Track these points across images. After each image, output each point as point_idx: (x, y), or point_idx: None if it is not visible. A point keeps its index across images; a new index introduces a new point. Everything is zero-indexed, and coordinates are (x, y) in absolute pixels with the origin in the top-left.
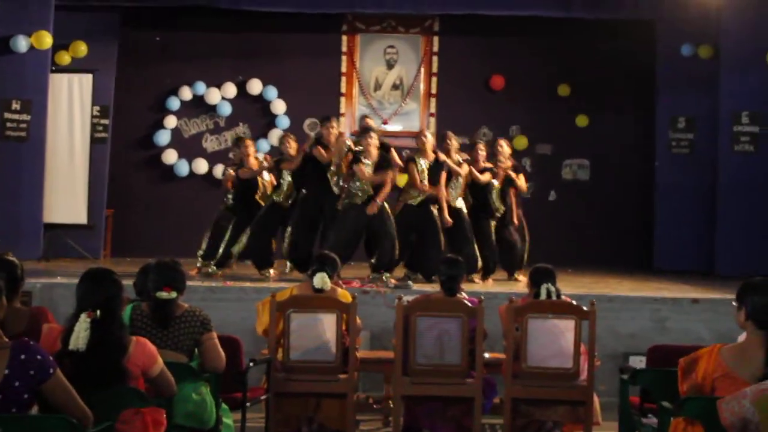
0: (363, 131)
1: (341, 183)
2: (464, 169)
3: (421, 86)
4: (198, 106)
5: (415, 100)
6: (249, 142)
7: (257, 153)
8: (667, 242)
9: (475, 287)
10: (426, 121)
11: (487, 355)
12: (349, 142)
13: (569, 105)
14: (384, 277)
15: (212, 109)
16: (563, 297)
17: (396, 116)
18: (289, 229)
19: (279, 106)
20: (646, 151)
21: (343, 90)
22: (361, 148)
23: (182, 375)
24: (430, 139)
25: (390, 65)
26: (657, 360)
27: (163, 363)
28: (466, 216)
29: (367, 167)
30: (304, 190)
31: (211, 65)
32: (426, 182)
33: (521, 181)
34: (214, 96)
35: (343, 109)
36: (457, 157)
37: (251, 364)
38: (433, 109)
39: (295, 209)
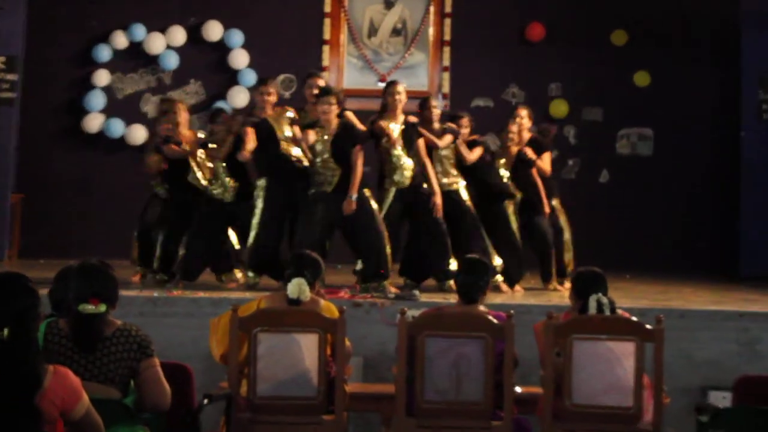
0: (321, 94)
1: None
2: (445, 141)
3: (431, 31)
4: (136, 58)
5: (423, 49)
6: (181, 106)
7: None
8: (757, 240)
9: (498, 299)
10: (437, 77)
11: (518, 389)
12: (291, 112)
13: (626, 57)
14: (381, 285)
15: (154, 60)
16: (619, 311)
17: (397, 71)
18: (254, 223)
19: (243, 58)
20: (727, 118)
21: (327, 36)
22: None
23: (114, 416)
24: (402, 98)
25: (389, 3)
26: (746, 395)
27: (89, 400)
28: (468, 202)
29: (319, 144)
30: (263, 178)
31: (153, 3)
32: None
33: (544, 162)
34: (156, 43)
35: (326, 62)
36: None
37: (205, 401)
38: (446, 62)
39: (257, 200)
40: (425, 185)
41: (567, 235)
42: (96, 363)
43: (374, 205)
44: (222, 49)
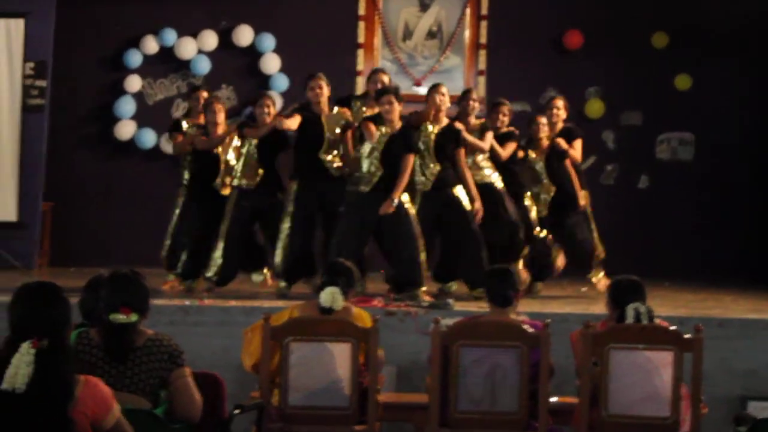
0: (380, 93)
1: (339, 164)
2: (487, 142)
3: (466, 34)
4: (167, 62)
5: (458, 52)
6: (220, 107)
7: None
8: None
9: (535, 307)
10: (473, 80)
11: (554, 399)
12: (347, 116)
13: (666, 61)
14: (414, 294)
15: (185, 66)
16: (657, 320)
17: (433, 75)
18: (283, 228)
19: (274, 63)
20: None
21: (361, 39)
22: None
23: (144, 426)
24: (445, 100)
25: (424, 5)
26: None
27: (120, 410)
28: (503, 193)
29: (375, 142)
30: (297, 179)
31: (184, 7)
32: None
33: (575, 149)
34: (188, 48)
35: (360, 66)
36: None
37: (237, 411)
38: (482, 65)
39: (285, 202)
40: (455, 190)
41: (595, 231)
42: (127, 373)
43: (412, 211)
44: (253, 53)
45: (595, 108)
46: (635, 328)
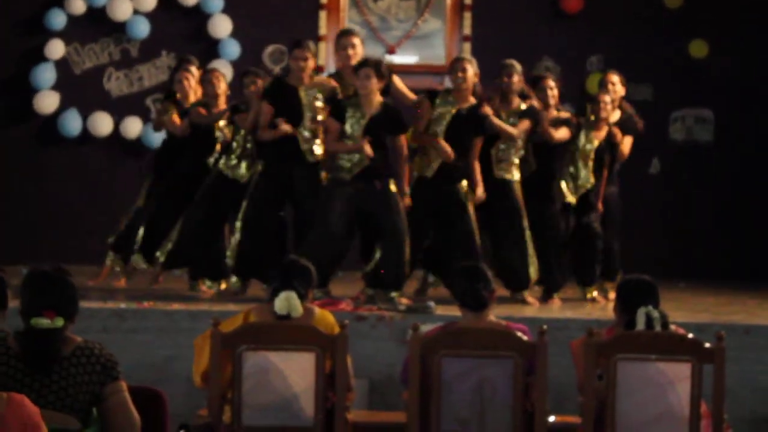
0: (359, 66)
1: (320, 150)
2: (522, 128)
3: None
4: (97, 24)
5: (438, 15)
6: (220, 76)
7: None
8: None
9: (528, 312)
10: (457, 48)
11: (552, 418)
12: (333, 86)
13: (680, 24)
14: (390, 296)
15: (119, 28)
16: (672, 327)
17: (408, 41)
18: (239, 217)
19: (224, 26)
20: None
21: (324, 0)
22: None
23: None
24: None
25: None
26: None
27: None
28: (518, 196)
29: (352, 125)
30: (263, 159)
31: None
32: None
33: (626, 147)
34: (122, 8)
35: (323, 30)
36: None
37: (182, 431)
38: (467, 30)
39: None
40: (461, 185)
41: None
42: (52, 387)
43: (400, 202)
44: (199, 15)
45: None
46: (647, 336)
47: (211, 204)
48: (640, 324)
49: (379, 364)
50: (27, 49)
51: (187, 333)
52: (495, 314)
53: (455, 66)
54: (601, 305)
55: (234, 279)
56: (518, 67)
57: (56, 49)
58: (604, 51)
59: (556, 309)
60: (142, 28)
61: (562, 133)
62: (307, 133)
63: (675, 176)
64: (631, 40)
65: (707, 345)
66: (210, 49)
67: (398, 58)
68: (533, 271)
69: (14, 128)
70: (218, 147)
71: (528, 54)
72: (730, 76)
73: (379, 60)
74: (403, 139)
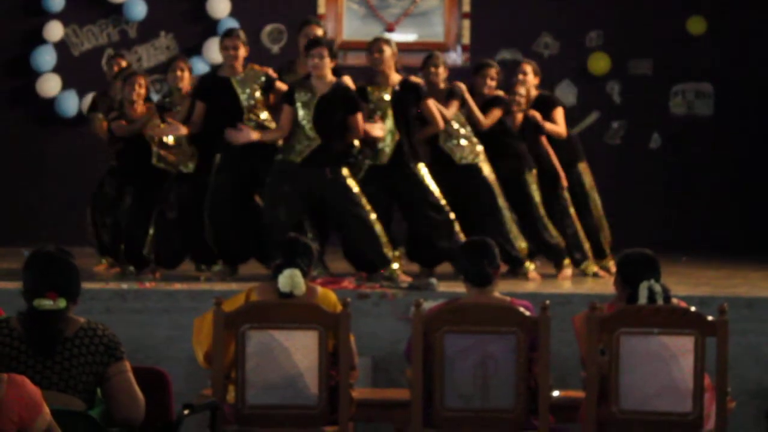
0: (309, 45)
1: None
2: (451, 110)
3: None
4: (95, 6)
5: None
6: (142, 81)
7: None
8: None
9: (531, 286)
10: (455, 26)
11: (556, 392)
12: (268, 75)
13: (679, 0)
14: (390, 273)
15: (117, 9)
16: (674, 301)
17: (407, 18)
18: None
19: (222, 6)
20: None
21: None
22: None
23: (78, 430)
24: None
25: None
26: None
27: (50, 413)
28: (489, 177)
29: (302, 107)
30: (221, 152)
31: None
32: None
33: (556, 122)
34: None
35: (322, 9)
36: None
37: (186, 412)
38: (466, 7)
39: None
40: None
41: (598, 209)
42: (55, 368)
43: (354, 185)
44: None
45: (600, 65)
46: (649, 310)
47: (182, 200)
48: (643, 298)
49: (383, 341)
50: (26, 30)
51: (188, 312)
52: (498, 290)
53: (372, 47)
54: (603, 280)
55: (203, 266)
56: (442, 58)
57: (55, 31)
58: (604, 26)
59: (558, 284)
60: (140, 9)
61: (492, 116)
62: (253, 124)
63: (675, 150)
64: (630, 15)
65: (710, 318)
66: (209, 28)
67: (397, 36)
68: (523, 246)
69: (14, 109)
70: (171, 141)
71: (527, 30)
72: (731, 52)
73: (331, 40)
74: (359, 118)
